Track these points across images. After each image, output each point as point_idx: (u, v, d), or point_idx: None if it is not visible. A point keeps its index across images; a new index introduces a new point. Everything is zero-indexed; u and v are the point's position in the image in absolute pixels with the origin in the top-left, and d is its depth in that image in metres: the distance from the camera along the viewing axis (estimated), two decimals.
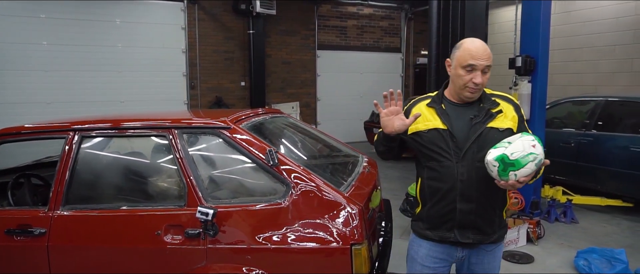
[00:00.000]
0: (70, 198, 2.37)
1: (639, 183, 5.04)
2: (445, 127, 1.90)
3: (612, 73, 9.24)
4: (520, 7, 5.65)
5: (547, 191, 5.35)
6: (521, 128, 1.91)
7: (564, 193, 5.33)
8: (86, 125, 2.52)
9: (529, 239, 4.37)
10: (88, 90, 8.67)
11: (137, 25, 9.00)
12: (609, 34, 9.26)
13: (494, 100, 1.94)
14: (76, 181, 2.40)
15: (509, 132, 1.87)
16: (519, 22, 5.87)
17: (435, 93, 2.06)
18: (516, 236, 4.30)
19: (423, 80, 13.49)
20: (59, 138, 2.54)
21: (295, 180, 2.16)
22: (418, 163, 2.04)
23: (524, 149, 1.63)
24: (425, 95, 2.08)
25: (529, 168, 1.63)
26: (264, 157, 2.22)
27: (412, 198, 4.46)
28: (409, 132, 1.97)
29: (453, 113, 1.94)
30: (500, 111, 1.91)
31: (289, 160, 2.25)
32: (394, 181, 7.21)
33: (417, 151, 2.00)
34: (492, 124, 1.88)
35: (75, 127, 2.50)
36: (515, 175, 1.64)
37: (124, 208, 2.32)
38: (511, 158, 1.63)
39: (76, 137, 2.46)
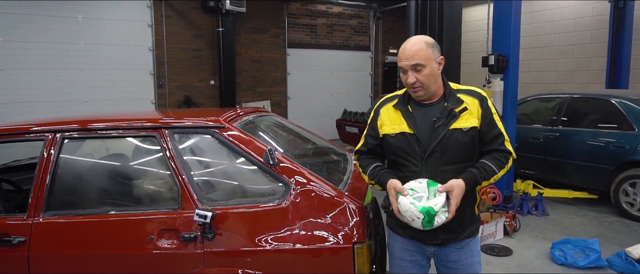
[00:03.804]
0: (52, 203, 2.24)
1: (600, 175, 5.32)
2: (411, 132, 1.87)
3: (571, 71, 9.70)
4: (492, 6, 5.82)
5: (519, 185, 5.54)
6: (486, 124, 1.86)
7: (534, 186, 5.54)
8: (68, 126, 2.37)
9: (506, 233, 4.51)
10: (48, 89, 8.23)
11: (101, 22, 8.62)
12: (568, 34, 9.71)
13: (459, 97, 1.87)
14: (58, 185, 2.26)
15: (473, 131, 1.84)
16: (491, 21, 6.04)
17: (402, 91, 1.99)
18: (494, 230, 4.42)
19: (392, 78, 13.72)
20: (36, 141, 2.38)
21: (294, 180, 2.12)
22: (389, 164, 2.03)
23: (443, 201, 1.76)
24: (393, 94, 2.04)
25: (442, 217, 1.77)
26: (260, 156, 2.16)
27: None
28: (380, 134, 1.99)
29: (419, 114, 1.90)
30: (465, 109, 1.85)
31: (288, 159, 2.20)
32: None
33: (387, 153, 2.01)
34: (455, 125, 1.84)
35: (56, 128, 2.35)
36: (437, 221, 1.76)
37: (113, 213, 2.20)
38: (436, 209, 1.75)
39: (57, 139, 2.31)
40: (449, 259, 1.99)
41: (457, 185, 1.78)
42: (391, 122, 1.93)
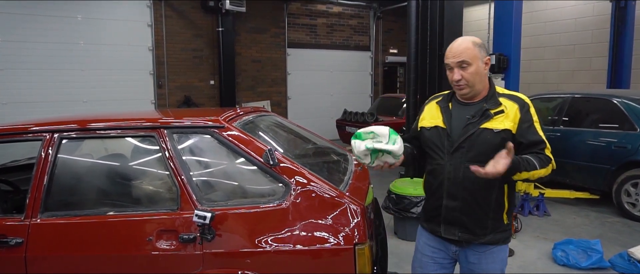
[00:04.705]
0: (50, 204, 2.21)
1: (601, 176, 5.29)
2: (444, 126, 1.95)
3: (572, 71, 9.67)
4: (492, 6, 5.80)
5: (520, 185, 5.50)
6: (525, 130, 1.82)
7: (535, 187, 5.51)
8: (66, 126, 2.34)
9: None
10: (48, 89, 8.20)
11: (101, 22, 8.60)
12: (569, 33, 9.69)
13: (498, 100, 1.89)
14: (56, 186, 2.24)
15: (505, 133, 1.82)
16: (491, 21, 6.02)
17: (448, 91, 2.06)
18: None
19: (392, 78, 13.69)
20: (34, 141, 2.36)
21: (295, 180, 2.10)
22: (425, 157, 2.10)
23: (366, 130, 1.85)
24: (441, 93, 2.12)
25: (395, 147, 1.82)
26: (260, 157, 2.14)
27: (394, 196, 4.47)
28: (418, 127, 2.07)
29: (456, 112, 1.96)
30: (502, 111, 1.86)
31: (288, 160, 2.18)
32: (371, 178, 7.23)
33: (422, 145, 2.07)
34: (486, 125, 1.86)
35: (54, 128, 2.33)
36: (355, 143, 1.84)
37: (111, 213, 2.18)
38: (357, 131, 1.87)
39: (55, 139, 2.29)
40: (469, 261, 2.00)
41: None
42: (431, 116, 2.03)
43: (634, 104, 5.15)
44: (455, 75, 1.88)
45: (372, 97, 12.67)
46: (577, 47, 9.56)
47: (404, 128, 6.18)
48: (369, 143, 1.80)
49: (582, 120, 5.70)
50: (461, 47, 1.86)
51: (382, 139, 1.82)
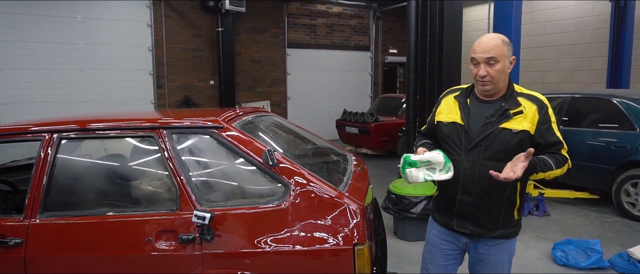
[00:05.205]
0: (49, 204, 2.21)
1: (601, 176, 5.29)
2: (462, 123, 1.96)
3: (572, 71, 9.67)
4: (492, 6, 5.81)
5: None
6: (544, 131, 1.86)
7: (535, 187, 5.51)
8: (65, 126, 2.34)
9: None
10: (47, 89, 8.21)
11: (101, 22, 8.60)
12: (569, 33, 9.69)
13: (517, 100, 1.90)
14: (55, 186, 2.24)
15: (523, 134, 1.85)
16: (491, 21, 6.03)
17: (466, 86, 2.07)
18: None
19: (392, 78, 13.70)
20: (33, 141, 2.36)
21: (294, 180, 2.10)
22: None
23: (422, 158, 1.92)
24: (458, 87, 2.12)
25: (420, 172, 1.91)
26: (259, 157, 2.14)
27: (393, 196, 4.47)
28: (435, 121, 2.09)
29: (475, 109, 1.96)
30: (521, 112, 1.87)
31: (287, 160, 2.18)
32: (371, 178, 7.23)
33: (439, 139, 2.10)
34: (505, 125, 1.88)
35: (53, 128, 2.33)
36: (410, 172, 1.90)
37: (110, 214, 2.17)
38: (412, 159, 1.91)
39: (54, 139, 2.29)
40: (478, 251, 2.06)
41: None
42: (448, 111, 2.03)
43: (633, 104, 5.15)
44: (481, 70, 1.86)
45: (372, 97, 12.67)
46: (577, 47, 9.56)
47: (404, 128, 6.18)
48: (427, 175, 1.88)
49: (582, 120, 5.69)
50: (491, 43, 1.85)
51: (436, 166, 1.89)
